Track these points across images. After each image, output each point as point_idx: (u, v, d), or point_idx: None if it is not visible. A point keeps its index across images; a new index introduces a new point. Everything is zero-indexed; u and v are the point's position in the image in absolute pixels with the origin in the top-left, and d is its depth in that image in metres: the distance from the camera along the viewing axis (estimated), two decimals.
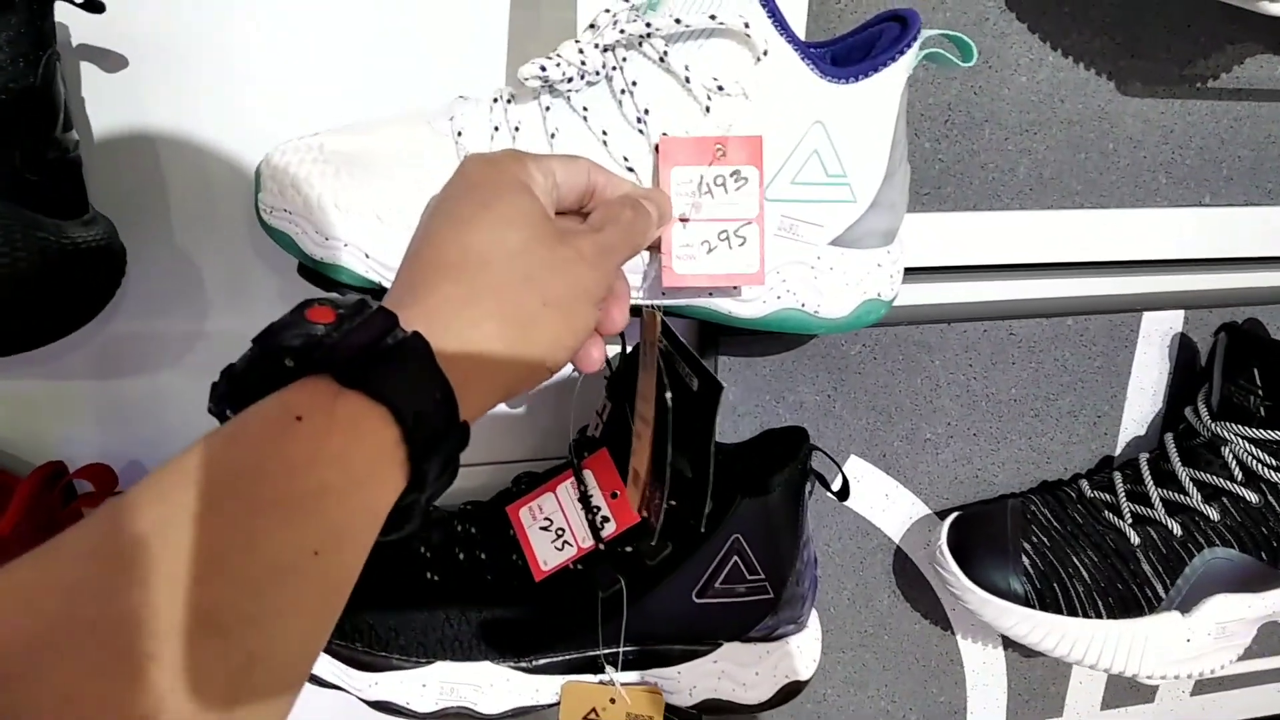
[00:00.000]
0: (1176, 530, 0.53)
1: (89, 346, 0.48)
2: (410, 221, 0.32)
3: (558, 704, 0.48)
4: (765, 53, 0.38)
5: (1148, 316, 0.59)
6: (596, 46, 0.39)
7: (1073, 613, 0.53)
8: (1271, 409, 0.52)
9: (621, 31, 0.38)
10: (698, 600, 0.47)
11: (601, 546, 0.45)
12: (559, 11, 0.46)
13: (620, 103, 0.39)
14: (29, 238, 0.37)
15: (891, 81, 0.40)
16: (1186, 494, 0.54)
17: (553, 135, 0.39)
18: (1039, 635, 0.53)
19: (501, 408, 0.51)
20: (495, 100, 0.40)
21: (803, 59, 0.39)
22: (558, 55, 0.39)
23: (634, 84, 0.39)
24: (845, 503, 0.54)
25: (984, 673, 0.65)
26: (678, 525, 0.45)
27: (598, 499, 0.46)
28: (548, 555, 0.46)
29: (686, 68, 0.38)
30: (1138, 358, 0.60)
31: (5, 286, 0.36)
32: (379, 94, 0.47)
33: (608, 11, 0.39)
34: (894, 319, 0.50)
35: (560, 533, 0.46)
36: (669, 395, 0.37)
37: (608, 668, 0.47)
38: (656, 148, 0.39)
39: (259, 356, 0.25)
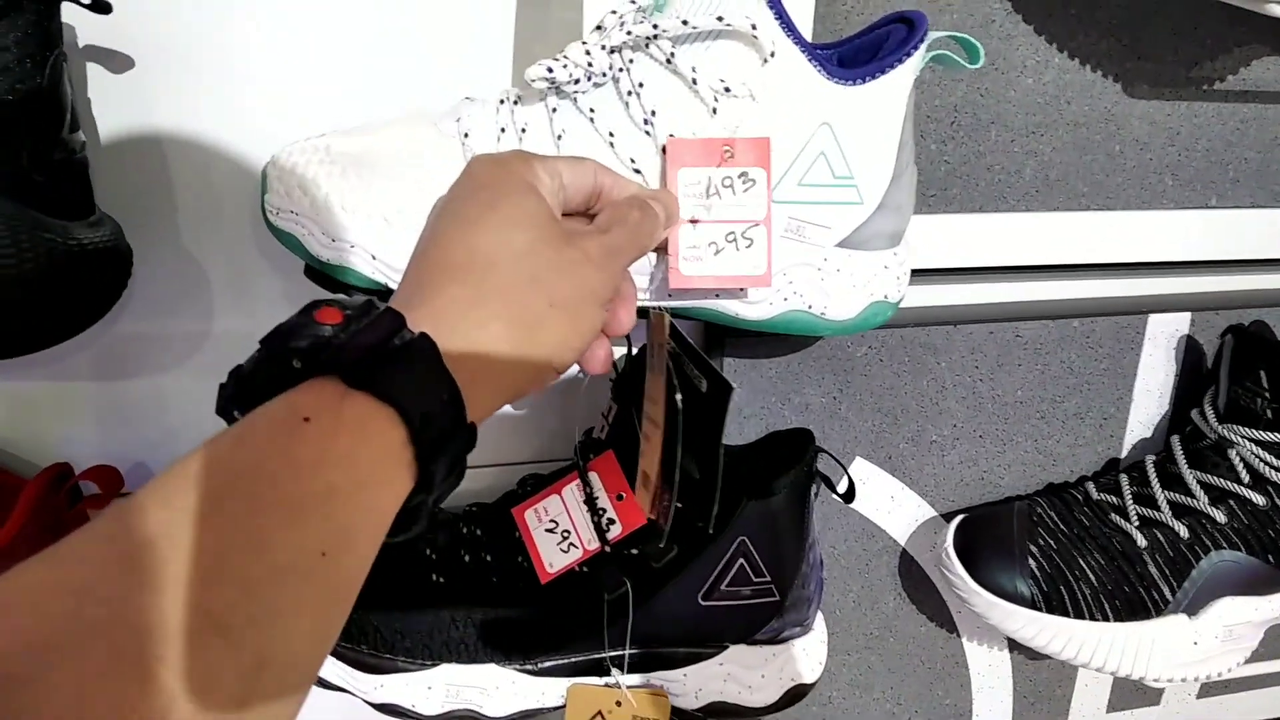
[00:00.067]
0: (1183, 533, 0.53)
1: (95, 347, 0.48)
2: (416, 223, 0.32)
3: (563, 707, 0.48)
4: (772, 54, 0.38)
5: (1154, 318, 0.59)
6: (603, 48, 0.39)
7: (1079, 615, 0.53)
8: (1278, 411, 0.52)
9: (628, 33, 0.38)
10: (703, 603, 0.47)
11: (607, 549, 0.45)
12: (565, 13, 0.46)
13: (627, 104, 0.39)
14: (35, 239, 0.37)
15: (899, 83, 0.40)
16: (1193, 496, 0.53)
17: (559, 137, 0.39)
18: (1045, 638, 0.53)
19: (507, 409, 0.51)
20: (502, 101, 0.40)
21: (810, 60, 0.39)
22: (564, 57, 0.39)
23: (641, 85, 0.39)
24: (851, 505, 0.54)
25: (990, 675, 0.65)
26: (683, 527, 0.44)
27: (603, 501, 0.46)
28: (553, 557, 0.46)
29: (693, 69, 0.38)
30: (1144, 360, 0.60)
31: (12, 288, 0.36)
32: (385, 95, 0.47)
33: (614, 13, 0.39)
34: (900, 321, 0.50)
35: (566, 535, 0.46)
36: (679, 397, 0.37)
37: (613, 670, 0.47)
38: (663, 149, 0.39)
39: (266, 358, 0.25)
